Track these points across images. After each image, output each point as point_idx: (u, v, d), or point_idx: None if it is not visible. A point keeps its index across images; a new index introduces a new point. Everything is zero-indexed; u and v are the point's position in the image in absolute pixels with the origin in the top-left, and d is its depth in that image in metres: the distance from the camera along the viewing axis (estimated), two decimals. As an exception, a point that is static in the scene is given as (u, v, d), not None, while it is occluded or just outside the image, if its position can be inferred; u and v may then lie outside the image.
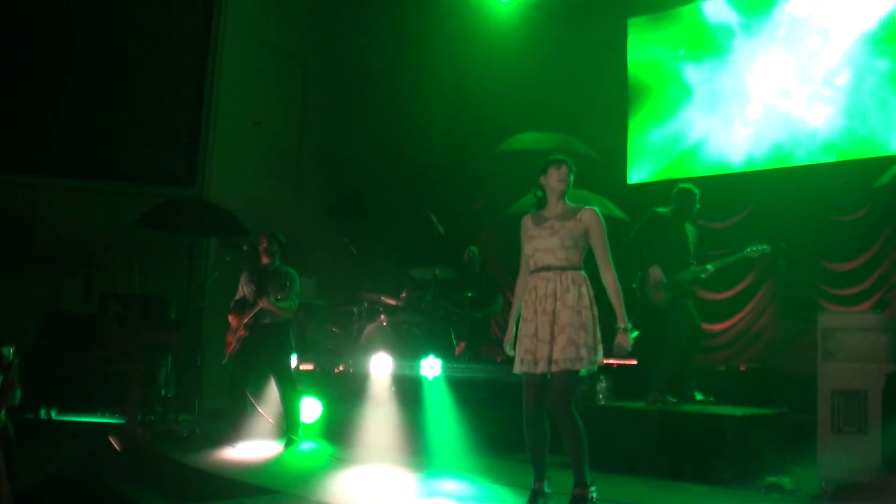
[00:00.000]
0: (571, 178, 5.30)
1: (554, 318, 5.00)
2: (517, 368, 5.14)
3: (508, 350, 5.32)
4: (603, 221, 5.20)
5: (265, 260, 8.05)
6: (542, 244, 5.18)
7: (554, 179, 5.26)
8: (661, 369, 7.33)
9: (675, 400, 7.21)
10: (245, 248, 8.85)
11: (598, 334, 5.07)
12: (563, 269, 5.09)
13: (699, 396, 7.40)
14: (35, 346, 9.73)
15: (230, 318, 8.02)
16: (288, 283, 7.89)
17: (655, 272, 7.31)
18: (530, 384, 5.12)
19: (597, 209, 5.25)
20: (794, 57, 10.21)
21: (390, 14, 13.23)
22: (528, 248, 5.28)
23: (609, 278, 5.13)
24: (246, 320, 7.86)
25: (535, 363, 5.01)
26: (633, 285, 7.34)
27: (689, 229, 7.61)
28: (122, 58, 12.31)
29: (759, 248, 7.38)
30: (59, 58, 12.22)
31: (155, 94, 12.42)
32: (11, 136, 12.00)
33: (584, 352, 4.93)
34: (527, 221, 5.36)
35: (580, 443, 5.00)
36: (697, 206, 7.62)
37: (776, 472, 6.19)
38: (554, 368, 4.94)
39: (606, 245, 5.18)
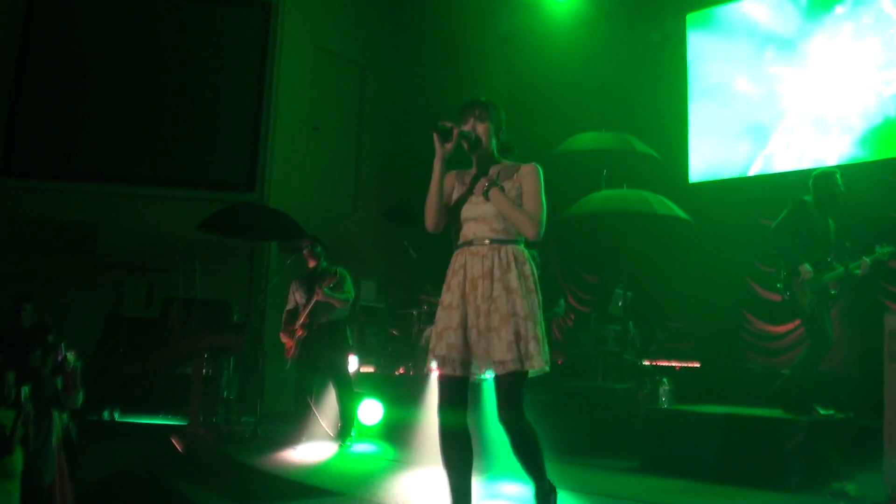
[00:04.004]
0: (493, 126, 4.28)
1: (493, 304, 4.02)
2: (436, 368, 4.13)
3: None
4: (541, 177, 4.21)
5: (311, 263, 8.17)
6: (473, 212, 4.18)
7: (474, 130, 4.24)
8: (804, 380, 6.77)
9: (831, 412, 6.72)
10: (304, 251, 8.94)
11: (543, 326, 4.10)
12: (501, 241, 4.13)
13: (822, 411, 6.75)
14: (98, 350, 9.91)
15: (282, 336, 8.11)
16: (339, 277, 8.01)
17: (805, 272, 6.65)
18: (448, 387, 4.15)
19: (538, 165, 4.26)
20: (857, 51, 10.00)
21: (446, 17, 13.25)
22: (451, 216, 4.28)
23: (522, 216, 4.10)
24: (302, 319, 7.94)
25: (464, 364, 4.09)
26: (778, 285, 6.89)
27: (830, 222, 6.98)
28: (183, 66, 12.56)
29: (888, 249, 6.88)
30: (121, 67, 12.45)
31: (215, 101, 12.64)
32: (73, 146, 12.28)
33: (532, 347, 3.98)
34: (450, 177, 4.33)
35: (538, 450, 4.20)
36: (841, 191, 6.97)
37: (841, 479, 6.08)
38: (499, 371, 4.00)
39: (541, 201, 4.16)
